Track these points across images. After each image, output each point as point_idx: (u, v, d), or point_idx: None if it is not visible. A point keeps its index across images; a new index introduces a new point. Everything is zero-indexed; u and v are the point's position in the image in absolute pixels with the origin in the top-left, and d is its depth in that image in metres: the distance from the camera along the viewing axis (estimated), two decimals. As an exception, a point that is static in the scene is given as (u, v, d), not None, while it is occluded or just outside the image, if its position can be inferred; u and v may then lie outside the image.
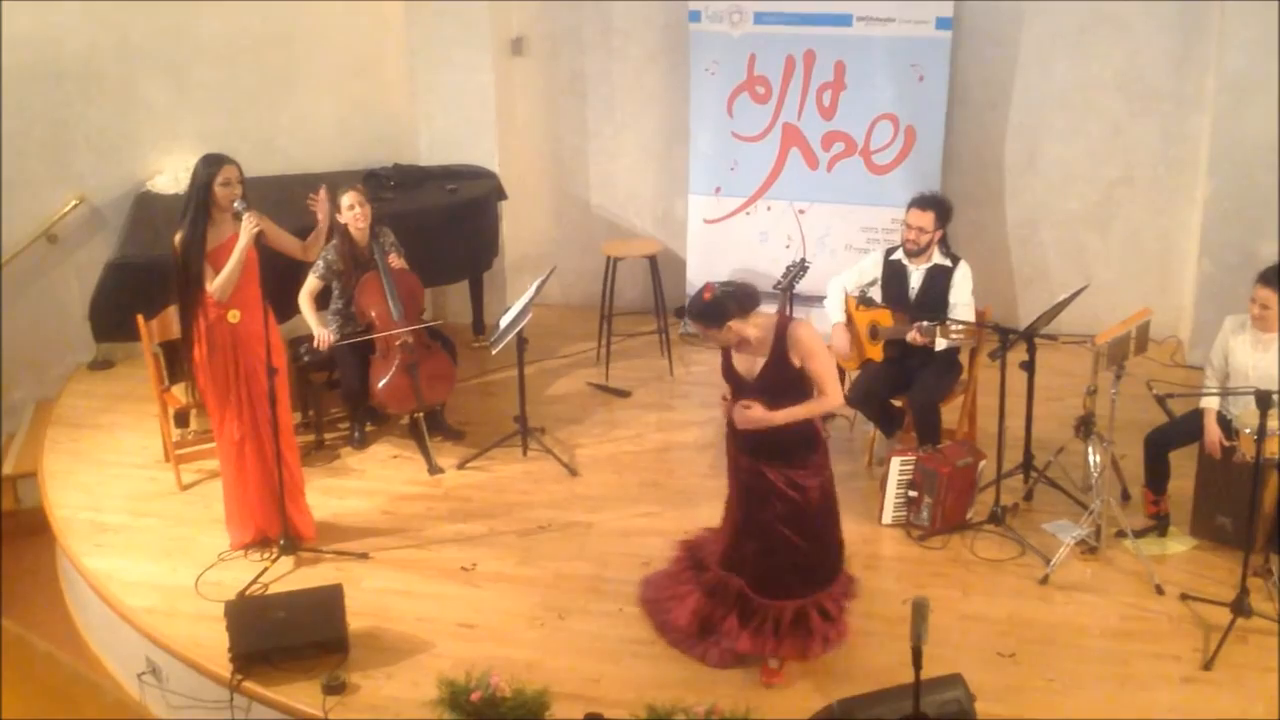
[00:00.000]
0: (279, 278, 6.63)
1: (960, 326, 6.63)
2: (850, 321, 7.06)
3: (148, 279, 7.30)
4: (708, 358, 8.69)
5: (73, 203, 8.39)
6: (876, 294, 7.03)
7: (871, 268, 7.09)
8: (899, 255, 6.98)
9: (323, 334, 7.22)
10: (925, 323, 6.68)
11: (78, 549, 6.54)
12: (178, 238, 6.04)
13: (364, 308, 7.30)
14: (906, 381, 6.88)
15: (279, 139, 8.75)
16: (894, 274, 6.99)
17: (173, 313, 7.09)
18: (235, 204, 5.98)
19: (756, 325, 5.19)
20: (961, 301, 6.86)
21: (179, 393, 7.19)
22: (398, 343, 7.25)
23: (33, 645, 2.22)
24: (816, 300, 8.40)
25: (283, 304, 7.18)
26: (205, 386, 6.27)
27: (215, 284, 6.02)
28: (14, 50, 7.98)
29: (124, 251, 7.70)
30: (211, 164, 6.01)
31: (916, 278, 6.94)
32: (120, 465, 7.35)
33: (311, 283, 7.28)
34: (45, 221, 8.32)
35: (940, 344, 6.67)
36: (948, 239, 7.03)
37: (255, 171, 6.94)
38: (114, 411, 7.97)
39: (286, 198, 7.96)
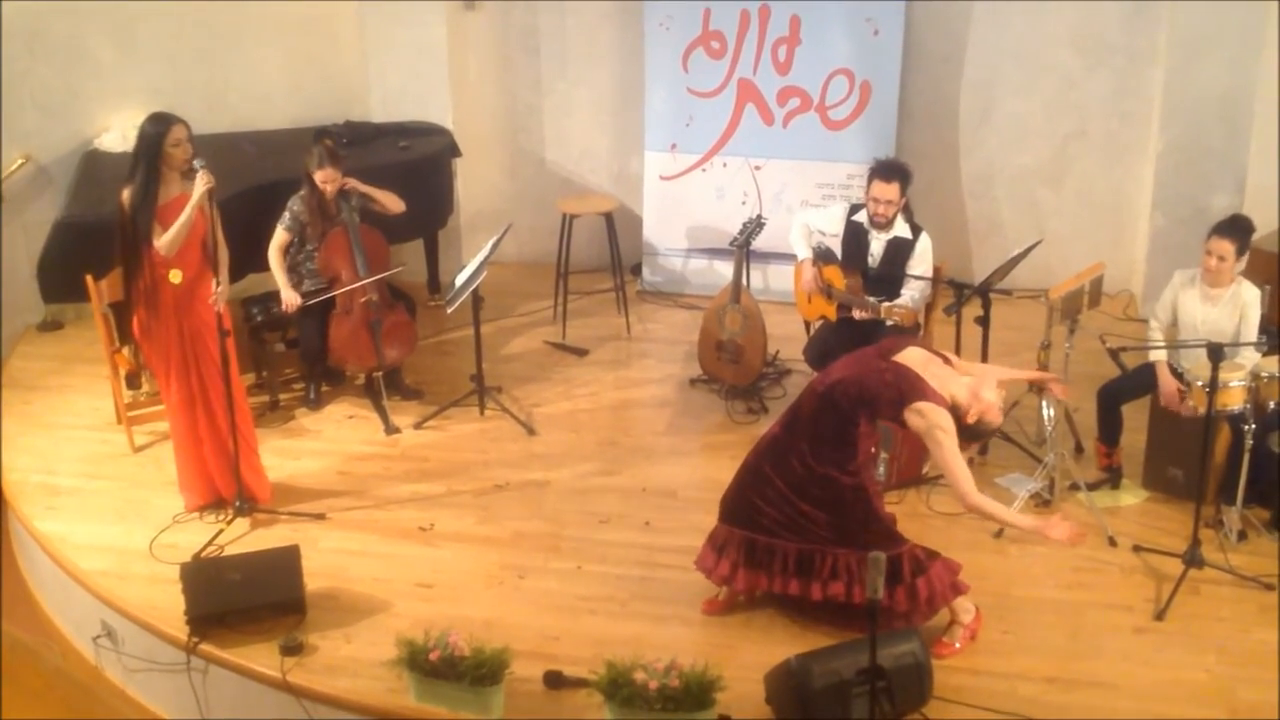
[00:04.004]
0: (242, 233, 6.56)
1: (901, 310, 6.60)
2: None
3: (96, 238, 7.16)
4: (665, 315, 8.69)
5: (19, 161, 8.23)
6: (835, 244, 7.02)
7: (834, 222, 7.05)
8: (862, 218, 6.94)
9: (290, 298, 7.13)
10: (872, 299, 6.69)
11: (29, 512, 6.48)
12: (125, 195, 5.96)
13: (329, 262, 7.22)
14: (865, 340, 6.88)
15: (229, 96, 8.62)
16: (854, 236, 6.96)
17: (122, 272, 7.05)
18: (195, 162, 5.90)
19: None
20: (917, 274, 6.84)
21: (130, 354, 7.12)
22: (363, 299, 7.19)
23: None
24: (774, 257, 8.43)
25: (247, 259, 7.11)
26: (148, 349, 6.21)
27: (164, 239, 5.94)
28: (-46, 6, 7.83)
29: (72, 211, 7.59)
30: (159, 123, 5.92)
31: (877, 246, 6.91)
32: (72, 427, 7.27)
33: (280, 236, 7.18)
34: (-12, 181, 8.19)
35: (888, 322, 6.66)
36: (910, 205, 7.02)
37: (204, 128, 6.85)
38: (65, 373, 7.87)
39: (237, 155, 7.91)
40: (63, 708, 2.02)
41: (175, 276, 6.03)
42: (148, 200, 5.94)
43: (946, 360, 5.38)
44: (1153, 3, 8.10)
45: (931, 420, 5.08)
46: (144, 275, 6.05)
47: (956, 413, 5.13)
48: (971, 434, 5.24)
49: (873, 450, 5.57)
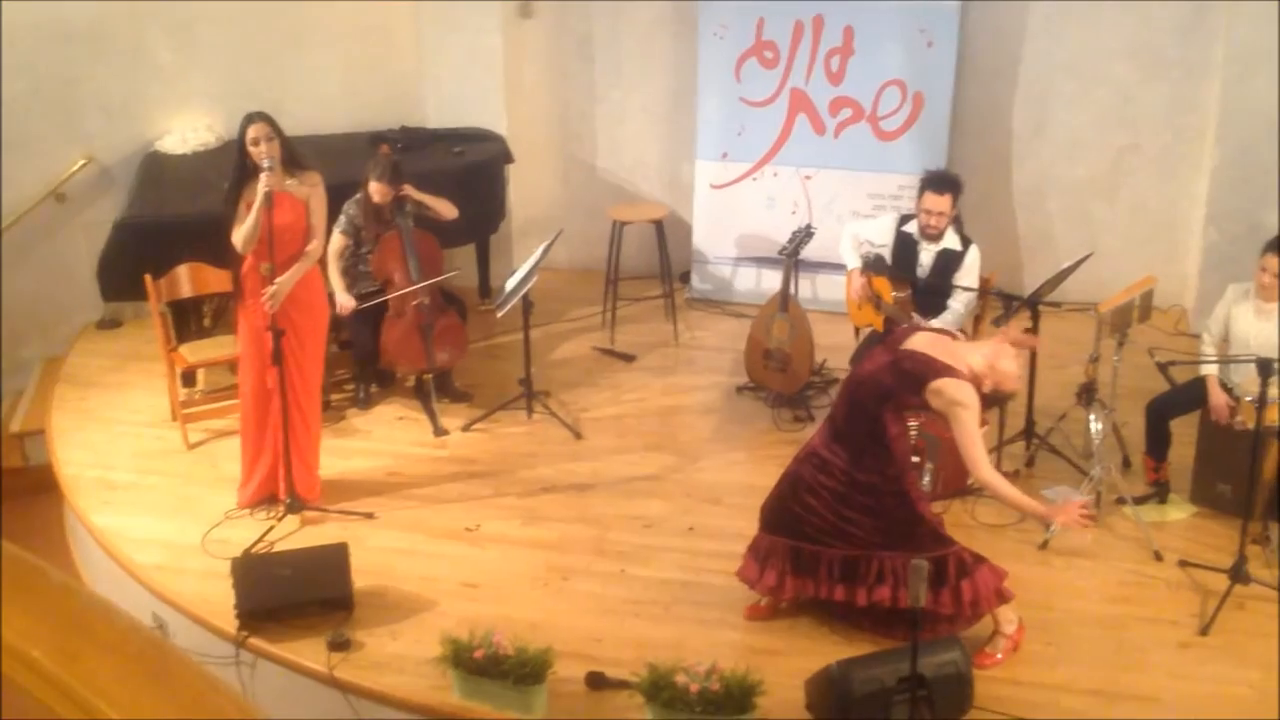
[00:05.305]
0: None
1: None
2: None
3: (156, 238, 7.34)
4: (713, 323, 8.72)
5: (81, 162, 8.39)
6: (885, 254, 7.03)
7: (884, 232, 7.07)
8: (911, 228, 6.95)
9: (345, 300, 7.22)
10: (918, 318, 6.71)
11: (85, 506, 6.60)
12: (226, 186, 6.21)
13: (383, 265, 7.33)
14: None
15: (286, 100, 8.67)
16: (904, 246, 6.97)
17: (181, 272, 7.17)
18: (264, 162, 6.00)
19: None
20: (964, 285, 6.84)
21: (186, 352, 7.24)
22: (415, 302, 7.28)
23: (48, 574, 2.29)
24: (822, 267, 8.44)
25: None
26: (239, 336, 6.38)
27: (236, 235, 6.08)
28: (22, 9, 7.97)
29: (132, 211, 7.73)
30: (242, 122, 6.10)
31: (926, 257, 6.92)
32: (128, 424, 7.40)
33: (337, 240, 7.27)
34: (54, 181, 8.32)
35: None
36: (960, 216, 7.02)
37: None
38: (122, 370, 8.00)
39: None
40: (136, 661, 2.09)
41: (264, 268, 6.12)
42: (232, 195, 6.13)
43: (954, 338, 5.41)
44: (1209, 17, 8.06)
45: (950, 396, 5.07)
46: (239, 263, 6.22)
47: (973, 381, 5.15)
48: (986, 402, 5.29)
49: (915, 459, 5.57)
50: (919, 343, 5.28)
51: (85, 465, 6.96)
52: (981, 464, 5.12)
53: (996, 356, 5.20)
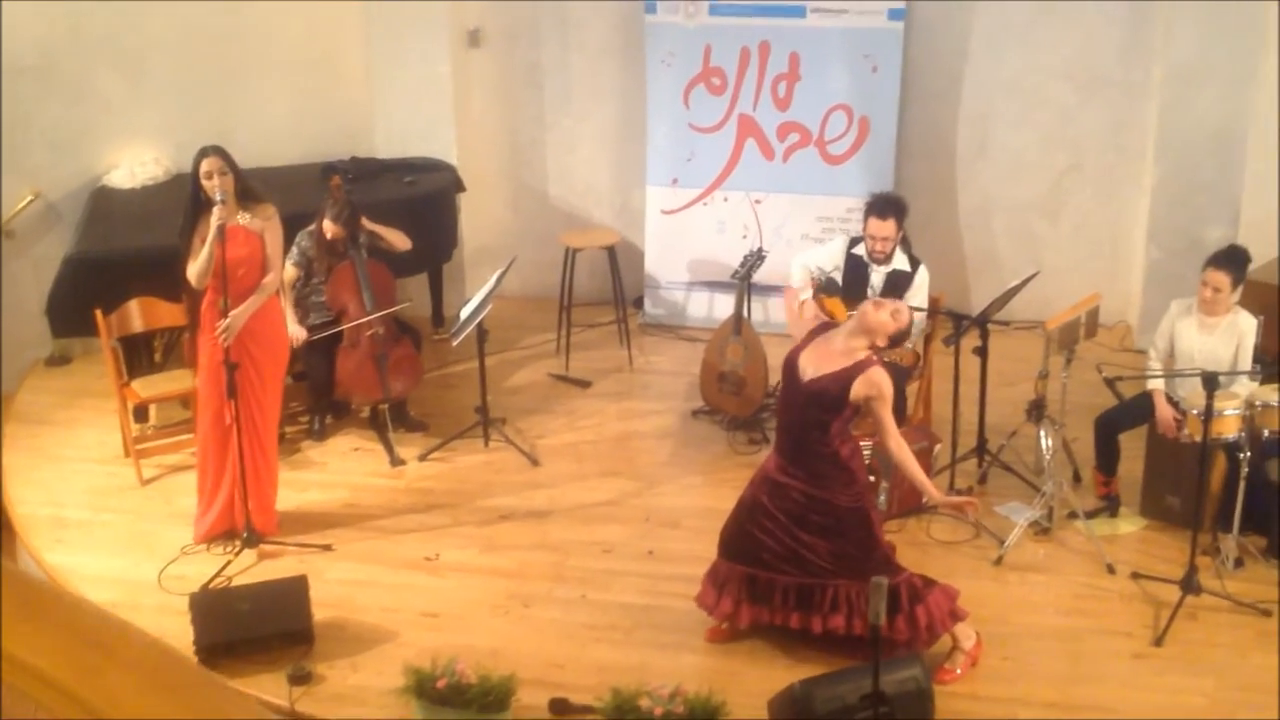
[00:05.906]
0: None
1: (899, 351, 6.68)
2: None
3: (105, 274, 7.29)
4: (667, 347, 8.76)
5: (28, 198, 8.31)
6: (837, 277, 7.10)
7: (835, 256, 7.14)
8: (861, 250, 7.04)
9: (296, 332, 7.20)
10: None
11: (38, 545, 6.53)
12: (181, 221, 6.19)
13: (336, 296, 7.33)
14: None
15: (236, 132, 8.64)
16: (855, 269, 7.05)
17: (131, 306, 7.13)
18: (216, 195, 5.98)
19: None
20: (915, 305, 6.92)
21: (138, 387, 7.19)
22: (369, 333, 7.28)
23: (60, 595, 2.32)
24: (774, 290, 8.50)
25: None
26: (199, 369, 6.35)
27: (190, 270, 6.07)
28: (-33, 43, 7.93)
29: (81, 246, 7.66)
30: (197, 155, 6.07)
31: (877, 279, 7.01)
32: (80, 461, 7.33)
33: (289, 271, 7.25)
34: (1, 217, 8.26)
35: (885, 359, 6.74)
36: (907, 236, 7.11)
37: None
38: (73, 407, 7.93)
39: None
40: (156, 676, 2.12)
41: (221, 302, 6.08)
42: (186, 229, 6.12)
43: (826, 326, 5.55)
44: (1147, 37, 8.21)
45: (865, 395, 5.24)
46: (197, 297, 6.22)
47: (871, 350, 5.29)
48: (895, 341, 5.43)
49: (871, 479, 5.63)
50: (810, 364, 5.35)
51: (38, 504, 6.88)
52: (892, 436, 5.28)
53: (864, 317, 5.33)
